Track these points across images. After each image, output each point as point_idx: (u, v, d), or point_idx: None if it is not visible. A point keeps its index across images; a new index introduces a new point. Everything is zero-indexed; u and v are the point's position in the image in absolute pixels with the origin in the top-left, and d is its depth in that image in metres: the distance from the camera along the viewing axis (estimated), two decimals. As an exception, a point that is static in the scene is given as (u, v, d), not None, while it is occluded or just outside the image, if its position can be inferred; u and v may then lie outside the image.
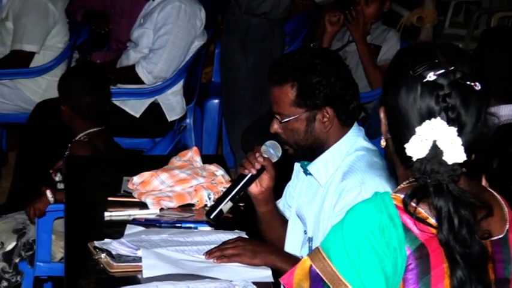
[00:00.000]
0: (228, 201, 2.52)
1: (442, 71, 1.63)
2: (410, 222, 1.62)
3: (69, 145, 3.62)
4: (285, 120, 2.49)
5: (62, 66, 4.88)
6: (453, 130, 1.59)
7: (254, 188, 2.55)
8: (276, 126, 2.53)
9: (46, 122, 4.42)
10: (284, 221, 2.67)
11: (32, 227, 3.43)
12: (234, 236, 2.58)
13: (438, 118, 1.60)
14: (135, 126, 4.53)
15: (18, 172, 4.52)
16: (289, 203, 2.73)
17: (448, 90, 1.62)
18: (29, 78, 4.81)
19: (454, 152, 1.58)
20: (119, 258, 2.41)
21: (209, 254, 2.46)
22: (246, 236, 2.61)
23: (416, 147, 1.60)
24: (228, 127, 5.07)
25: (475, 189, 1.69)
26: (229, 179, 2.99)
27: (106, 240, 2.51)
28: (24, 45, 4.78)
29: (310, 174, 2.56)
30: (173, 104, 4.64)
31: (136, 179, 2.93)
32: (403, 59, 1.72)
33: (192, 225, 2.71)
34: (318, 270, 1.66)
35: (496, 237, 1.70)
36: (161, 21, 4.55)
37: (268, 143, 2.55)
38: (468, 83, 1.63)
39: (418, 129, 1.61)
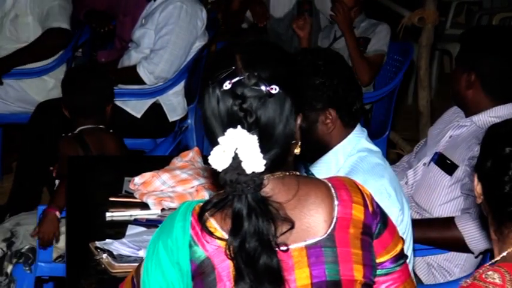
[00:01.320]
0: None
1: (238, 78, 1.60)
2: (199, 235, 1.59)
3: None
4: (287, 121, 2.48)
5: (64, 67, 4.87)
6: (254, 138, 1.55)
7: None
8: (277, 128, 2.52)
9: (48, 122, 4.40)
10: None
11: (20, 234, 3.38)
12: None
13: (239, 127, 1.56)
14: (136, 126, 4.52)
15: (19, 172, 4.51)
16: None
17: (244, 97, 1.58)
18: (31, 78, 4.79)
19: (253, 161, 1.54)
20: (120, 258, 2.40)
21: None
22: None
23: (218, 158, 1.55)
24: None
25: (294, 191, 1.64)
26: (231, 179, 2.99)
27: (107, 240, 2.51)
28: (62, 23, 4.71)
29: (312, 174, 2.55)
30: (174, 105, 4.64)
31: (137, 179, 2.93)
32: (207, 66, 1.68)
33: (193, 225, 2.71)
34: (135, 281, 1.67)
35: (316, 239, 1.64)
36: (162, 21, 4.54)
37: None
38: (263, 87, 1.59)
39: (220, 139, 1.56)
